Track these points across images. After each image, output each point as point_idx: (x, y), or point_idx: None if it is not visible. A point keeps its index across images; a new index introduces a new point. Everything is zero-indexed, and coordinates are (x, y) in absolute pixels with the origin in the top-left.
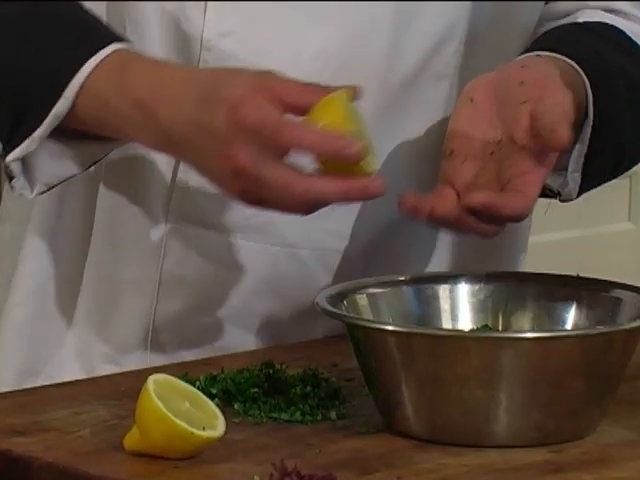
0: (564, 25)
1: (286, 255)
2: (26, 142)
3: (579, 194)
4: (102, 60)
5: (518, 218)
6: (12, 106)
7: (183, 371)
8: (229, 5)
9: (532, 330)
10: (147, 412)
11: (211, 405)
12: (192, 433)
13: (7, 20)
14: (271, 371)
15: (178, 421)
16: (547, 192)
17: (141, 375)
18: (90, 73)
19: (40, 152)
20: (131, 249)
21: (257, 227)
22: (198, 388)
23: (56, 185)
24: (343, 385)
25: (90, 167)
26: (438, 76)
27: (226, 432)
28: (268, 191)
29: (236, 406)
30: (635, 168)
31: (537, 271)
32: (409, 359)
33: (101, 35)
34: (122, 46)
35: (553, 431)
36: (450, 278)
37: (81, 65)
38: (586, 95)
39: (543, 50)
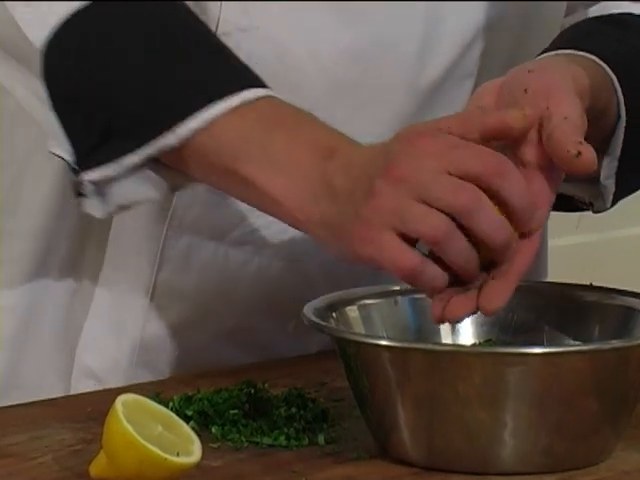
0: (585, 20)
1: (292, 270)
2: (111, 165)
3: (614, 202)
4: (239, 106)
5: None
6: (110, 117)
7: (155, 391)
8: None
9: (540, 345)
10: (115, 436)
11: (186, 428)
12: (165, 459)
13: (151, 31)
14: (252, 391)
15: (150, 446)
16: (578, 204)
17: (109, 395)
18: (219, 116)
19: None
20: (127, 254)
21: (264, 241)
22: (172, 410)
23: (129, 208)
24: (332, 406)
25: (172, 194)
26: (464, 76)
27: (202, 458)
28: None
29: (214, 429)
30: None
31: (546, 280)
32: (405, 377)
33: (242, 76)
34: (266, 94)
35: (563, 456)
36: None
37: (206, 105)
38: (615, 93)
39: (563, 48)
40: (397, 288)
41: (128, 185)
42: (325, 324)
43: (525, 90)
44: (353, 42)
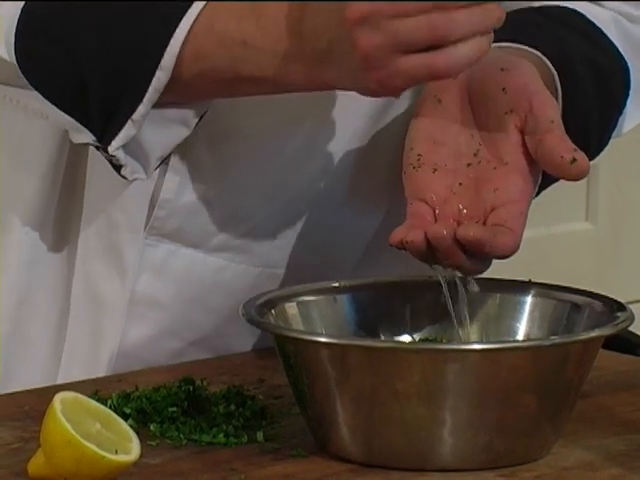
0: (521, 10)
1: (266, 276)
2: (126, 127)
3: (539, 192)
4: (197, 18)
5: (506, 257)
6: (99, 95)
7: (93, 388)
8: None
9: (479, 341)
10: (53, 434)
11: (124, 426)
12: (103, 457)
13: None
14: (191, 388)
15: (88, 444)
16: None
17: (47, 393)
18: (187, 35)
19: (143, 125)
20: (105, 263)
21: (240, 247)
22: (110, 407)
23: (168, 156)
24: (271, 403)
25: (198, 124)
26: None
27: (141, 456)
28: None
29: (152, 427)
30: (594, 162)
31: (486, 276)
32: (344, 374)
33: None
34: None
35: (503, 453)
36: (389, 285)
37: (172, 30)
38: (556, 90)
39: (502, 40)
40: (336, 285)
41: (154, 132)
42: (264, 321)
43: (504, 89)
44: None
